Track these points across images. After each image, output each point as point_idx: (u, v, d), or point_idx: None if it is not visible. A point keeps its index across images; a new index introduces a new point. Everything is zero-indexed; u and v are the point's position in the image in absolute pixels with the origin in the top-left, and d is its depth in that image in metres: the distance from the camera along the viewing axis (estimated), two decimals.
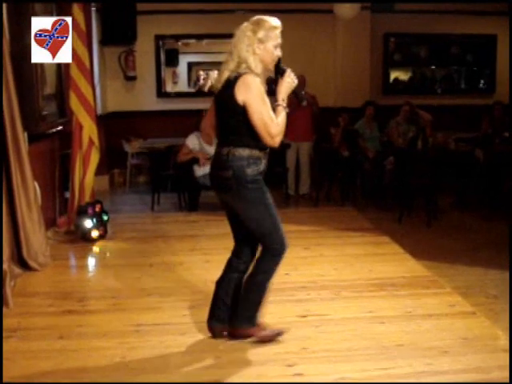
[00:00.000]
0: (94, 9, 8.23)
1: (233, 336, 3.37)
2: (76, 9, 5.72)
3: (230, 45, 3.15)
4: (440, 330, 3.54)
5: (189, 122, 7.46)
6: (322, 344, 3.36)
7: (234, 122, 3.10)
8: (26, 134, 4.86)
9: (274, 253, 3.20)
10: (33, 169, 4.84)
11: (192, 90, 12.11)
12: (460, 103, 9.57)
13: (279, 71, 3.16)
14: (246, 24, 3.13)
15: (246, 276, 3.34)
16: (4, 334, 3.48)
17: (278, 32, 3.11)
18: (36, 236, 4.83)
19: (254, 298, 3.29)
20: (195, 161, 6.88)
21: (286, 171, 7.87)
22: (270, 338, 3.36)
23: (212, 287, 3.61)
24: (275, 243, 3.20)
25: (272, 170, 7.77)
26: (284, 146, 7.81)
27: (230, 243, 5.17)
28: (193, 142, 6.93)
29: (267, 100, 3.05)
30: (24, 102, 4.92)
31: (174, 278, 4.53)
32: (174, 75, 11.78)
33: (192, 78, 12.73)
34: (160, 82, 9.62)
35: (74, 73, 5.72)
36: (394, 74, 10.12)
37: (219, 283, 3.43)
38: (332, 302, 4.00)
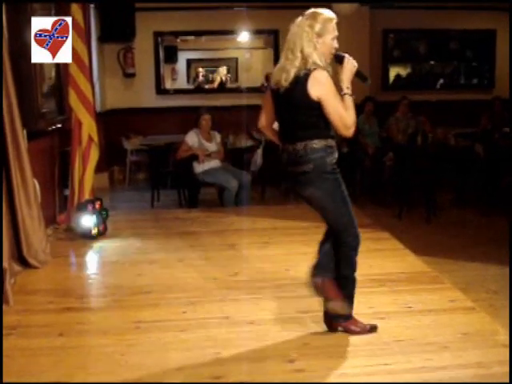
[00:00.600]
0: (92, 6, 8.22)
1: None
2: (75, 6, 5.69)
3: (288, 41, 3.14)
4: (440, 326, 3.54)
5: (188, 118, 7.46)
6: (323, 340, 3.36)
7: (306, 117, 3.12)
8: (25, 132, 4.85)
9: (349, 247, 3.28)
10: (32, 166, 4.84)
11: (191, 86, 12.13)
12: (459, 98, 9.57)
13: (338, 59, 3.17)
14: (301, 19, 3.13)
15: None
16: (4, 332, 3.48)
17: (334, 24, 3.13)
18: (36, 233, 4.82)
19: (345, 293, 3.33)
20: (195, 158, 6.88)
21: None
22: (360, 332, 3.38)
23: (212, 284, 3.62)
24: (350, 236, 3.26)
25: (272, 167, 7.83)
26: None
27: (229, 240, 5.20)
28: (192, 138, 6.93)
29: (337, 92, 3.08)
30: (23, 99, 4.91)
31: (173, 274, 4.52)
32: (173, 72, 11.79)
33: (191, 75, 12.74)
34: (159, 79, 9.62)
35: (73, 70, 5.71)
36: (393, 70, 10.12)
37: (322, 244, 3.45)
38: None
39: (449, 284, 4.26)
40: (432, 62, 10.28)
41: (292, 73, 3.09)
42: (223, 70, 12.11)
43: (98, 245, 5.42)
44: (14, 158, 4.56)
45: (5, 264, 4.13)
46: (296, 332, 3.47)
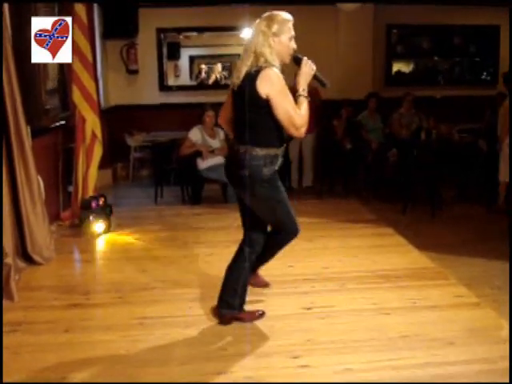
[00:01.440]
0: (95, 3, 8.20)
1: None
2: (78, 4, 5.70)
3: (246, 43, 3.20)
4: (445, 321, 3.54)
5: (191, 115, 7.45)
6: (327, 336, 3.37)
7: (254, 116, 3.12)
8: (29, 129, 4.85)
9: (287, 238, 3.44)
10: (36, 163, 4.84)
11: (194, 83, 12.11)
12: (463, 94, 9.53)
13: (296, 61, 3.19)
14: (259, 20, 3.17)
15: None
16: (9, 328, 3.50)
17: (290, 25, 3.16)
18: (40, 230, 4.83)
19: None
20: (198, 154, 6.87)
21: (289, 164, 7.87)
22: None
23: (216, 280, 3.62)
24: (291, 233, 3.41)
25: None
26: (287, 138, 7.79)
27: (233, 236, 5.18)
28: (195, 135, 6.93)
29: (289, 92, 3.08)
30: (27, 96, 4.92)
31: (178, 270, 4.53)
32: (176, 68, 11.77)
33: (194, 71, 12.73)
34: (162, 76, 9.60)
35: (77, 67, 5.72)
36: (396, 66, 10.08)
37: (230, 269, 3.47)
38: (336, 294, 4.00)
39: (453, 280, 4.26)
40: (436, 58, 10.25)
41: (243, 70, 3.12)
42: (218, 67, 12.08)
43: (101, 241, 5.44)
44: (18, 154, 4.57)
45: (9, 261, 4.15)
46: (300, 328, 3.48)
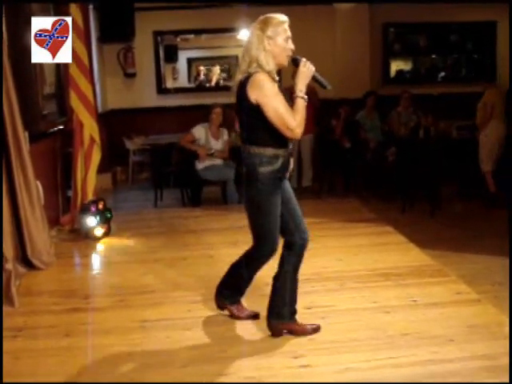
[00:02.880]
0: (91, 7, 8.21)
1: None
2: (74, 7, 5.70)
3: (243, 48, 3.19)
4: (446, 319, 3.53)
5: (190, 117, 7.47)
6: (328, 335, 3.37)
7: (249, 120, 3.14)
8: (26, 134, 4.85)
9: (259, 254, 3.34)
10: (35, 168, 4.84)
11: (192, 85, 12.12)
12: (461, 91, 9.53)
13: (294, 62, 3.17)
14: (253, 24, 3.16)
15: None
16: (10, 334, 3.50)
17: (286, 26, 3.13)
18: (40, 235, 4.83)
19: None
20: (197, 156, 6.86)
21: None
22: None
23: (216, 281, 3.62)
24: (265, 246, 3.29)
25: None
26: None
27: (232, 237, 5.20)
28: (199, 132, 6.91)
29: (280, 95, 3.07)
30: (24, 101, 4.92)
31: (178, 273, 4.53)
32: (174, 71, 11.78)
33: (192, 74, 12.74)
34: (160, 79, 9.62)
35: (74, 71, 5.71)
36: (394, 64, 10.09)
37: (275, 278, 3.39)
38: (337, 293, 4.00)
39: (453, 277, 4.26)
40: (433, 56, 10.25)
41: (238, 77, 3.14)
42: (216, 70, 12.10)
43: (101, 245, 5.44)
44: (16, 160, 4.58)
45: (10, 266, 4.15)
46: None
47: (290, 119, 3.05)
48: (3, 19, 4.72)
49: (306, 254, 4.83)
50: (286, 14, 3.21)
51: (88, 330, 3.57)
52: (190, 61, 12.64)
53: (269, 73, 3.08)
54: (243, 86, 3.07)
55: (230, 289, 3.55)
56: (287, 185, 3.37)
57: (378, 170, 7.61)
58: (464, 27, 10.00)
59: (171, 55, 10.70)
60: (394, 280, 4.20)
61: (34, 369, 3.11)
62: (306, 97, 3.13)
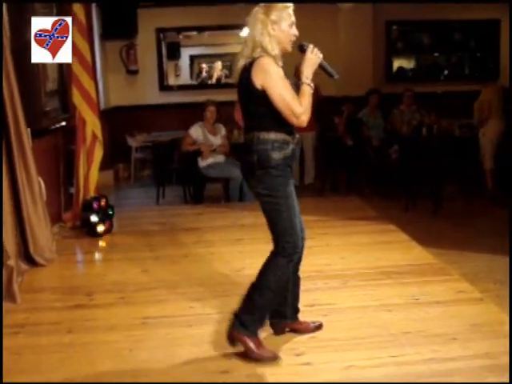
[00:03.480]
0: (94, 4, 8.21)
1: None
2: (76, 4, 5.70)
3: (245, 35, 3.09)
4: (448, 317, 3.53)
5: (192, 114, 7.45)
6: (330, 333, 3.36)
7: (255, 107, 3.02)
8: (29, 130, 4.85)
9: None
10: (37, 165, 4.84)
11: (194, 82, 12.11)
12: (464, 89, 9.51)
13: (301, 49, 3.07)
14: (256, 8, 3.06)
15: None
16: (12, 330, 3.50)
17: (290, 11, 3.04)
18: (42, 232, 4.83)
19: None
20: (199, 153, 6.86)
21: None
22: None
23: (218, 279, 3.61)
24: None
25: None
26: None
27: (235, 235, 5.19)
28: (196, 132, 6.91)
29: (286, 80, 2.98)
30: (27, 98, 4.91)
31: (179, 270, 4.53)
32: (176, 68, 11.77)
33: (194, 71, 12.72)
34: (162, 76, 9.62)
35: (76, 68, 5.72)
36: (397, 62, 10.08)
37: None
38: (339, 291, 3.99)
39: (456, 275, 4.25)
40: (436, 54, 10.24)
41: (240, 63, 3.03)
42: (218, 66, 12.06)
43: (104, 242, 5.44)
44: (18, 156, 4.57)
45: (12, 263, 4.15)
46: None
47: (297, 105, 2.94)
48: (5, 16, 4.72)
49: (308, 252, 4.84)
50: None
51: (90, 327, 3.56)
52: (192, 58, 12.63)
53: (274, 57, 2.98)
54: (247, 71, 2.97)
55: (291, 305, 3.32)
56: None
57: (380, 167, 7.60)
58: (467, 25, 9.98)
59: (174, 52, 10.70)
60: (396, 278, 4.19)
61: (36, 365, 3.11)
62: (312, 84, 3.03)
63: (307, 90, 3.01)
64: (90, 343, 3.34)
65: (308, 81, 3.02)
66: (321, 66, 3.10)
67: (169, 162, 7.63)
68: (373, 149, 7.65)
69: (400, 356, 3.07)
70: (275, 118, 3.00)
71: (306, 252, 4.81)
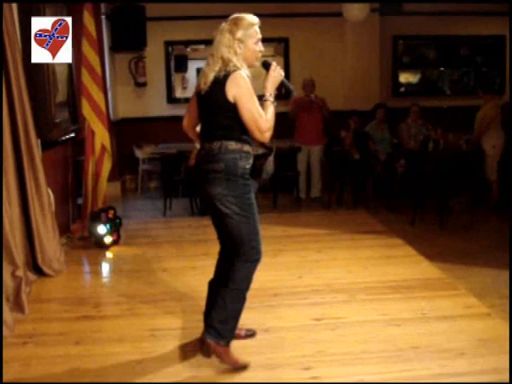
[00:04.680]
0: (103, 16, 8.28)
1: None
2: (87, 16, 5.77)
3: (211, 48, 3.13)
4: (456, 332, 3.53)
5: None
6: (338, 347, 3.37)
7: (223, 119, 3.09)
8: (39, 141, 4.89)
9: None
10: (46, 175, 4.88)
11: None
12: (470, 104, 9.52)
13: (264, 66, 3.18)
14: (223, 24, 3.11)
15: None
16: (20, 340, 3.52)
17: (256, 28, 3.11)
18: (50, 242, 4.86)
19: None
20: None
21: (298, 175, 7.89)
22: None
23: None
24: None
25: (283, 174, 7.82)
26: (295, 149, 7.82)
27: None
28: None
29: (255, 97, 3.06)
30: (37, 109, 4.96)
31: (187, 282, 4.54)
32: (184, 81, 11.83)
33: None
34: (170, 88, 9.67)
35: (86, 80, 5.77)
36: (403, 77, 10.10)
37: (212, 284, 3.34)
38: (347, 305, 4.00)
39: (463, 290, 4.25)
40: (442, 68, 10.27)
41: (211, 76, 3.07)
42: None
43: (111, 253, 5.46)
44: (28, 167, 4.61)
45: (20, 273, 4.17)
46: (310, 339, 3.47)
47: (263, 122, 3.04)
48: (18, 29, 4.76)
49: (315, 265, 4.85)
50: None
51: (98, 338, 3.57)
52: (199, 71, 12.69)
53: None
54: (221, 83, 3.02)
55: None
56: None
57: (387, 181, 7.61)
58: (473, 41, 10.01)
59: (181, 65, 10.75)
60: (404, 293, 4.20)
61: (44, 376, 3.12)
62: (275, 102, 3.12)
63: (271, 108, 3.10)
64: (98, 354, 3.36)
65: (271, 98, 3.12)
66: (282, 83, 3.21)
67: (176, 174, 7.66)
68: (379, 163, 7.66)
69: (408, 371, 3.07)
70: (242, 130, 3.09)
71: (313, 265, 4.85)
